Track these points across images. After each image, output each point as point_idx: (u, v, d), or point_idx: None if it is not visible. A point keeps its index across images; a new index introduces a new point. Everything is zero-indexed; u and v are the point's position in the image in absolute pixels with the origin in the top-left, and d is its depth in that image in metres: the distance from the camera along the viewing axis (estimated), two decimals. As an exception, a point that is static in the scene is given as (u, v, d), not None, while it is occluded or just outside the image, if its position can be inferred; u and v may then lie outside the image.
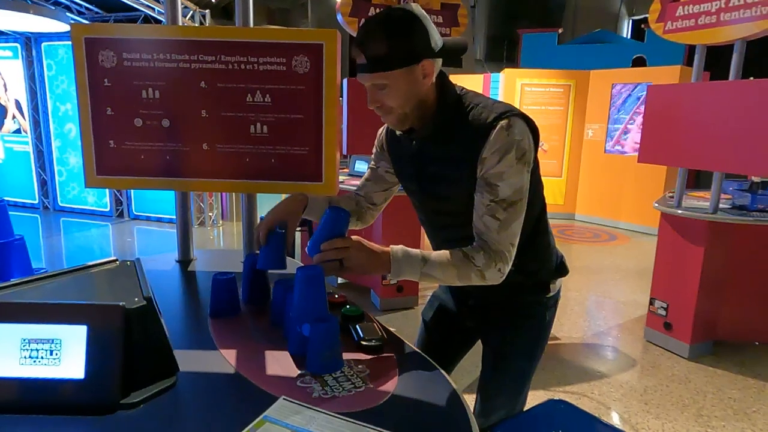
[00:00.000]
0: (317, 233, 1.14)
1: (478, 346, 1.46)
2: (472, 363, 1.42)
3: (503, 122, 1.07)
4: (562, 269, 1.33)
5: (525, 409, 1.41)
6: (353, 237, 1.13)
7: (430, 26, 1.07)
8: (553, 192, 7.54)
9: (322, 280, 1.09)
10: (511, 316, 1.33)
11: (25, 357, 0.90)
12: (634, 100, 6.76)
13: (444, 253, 1.13)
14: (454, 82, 1.20)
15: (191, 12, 5.91)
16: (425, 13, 1.08)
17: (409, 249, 1.14)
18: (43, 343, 0.91)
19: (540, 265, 1.29)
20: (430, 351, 1.43)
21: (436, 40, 1.08)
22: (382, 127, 1.41)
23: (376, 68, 1.06)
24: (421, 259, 1.11)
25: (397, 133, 1.27)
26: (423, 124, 1.17)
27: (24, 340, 0.91)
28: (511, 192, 1.08)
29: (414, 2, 3.69)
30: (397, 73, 1.06)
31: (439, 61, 1.11)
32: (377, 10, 3.67)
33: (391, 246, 1.14)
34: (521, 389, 1.39)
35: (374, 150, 1.45)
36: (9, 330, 0.91)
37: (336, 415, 0.90)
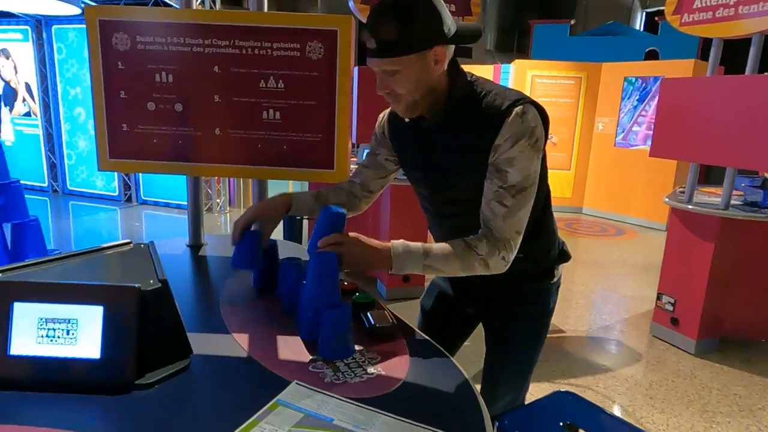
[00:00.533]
0: (315, 234, 1.14)
1: (480, 335, 1.45)
2: (475, 353, 1.42)
3: (518, 108, 1.05)
4: (564, 255, 1.34)
5: (532, 400, 1.41)
6: (351, 233, 1.12)
7: (443, 11, 1.04)
8: (561, 185, 7.50)
9: (335, 266, 1.09)
10: (515, 304, 1.33)
11: (42, 336, 0.91)
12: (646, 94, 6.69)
13: (445, 245, 1.11)
14: (464, 69, 1.17)
15: (201, -3, 5.90)
16: None
17: (410, 243, 1.12)
18: (60, 323, 0.92)
19: (546, 252, 1.29)
20: (429, 336, 1.44)
21: (449, 25, 1.05)
22: (383, 113, 1.37)
23: (387, 53, 1.03)
24: (423, 252, 1.10)
25: (406, 120, 1.23)
26: (433, 111, 1.14)
27: (41, 319, 0.92)
28: (520, 178, 1.06)
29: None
30: (408, 58, 1.03)
31: (452, 47, 1.09)
32: (389, -2, 3.64)
33: (391, 241, 1.12)
34: (525, 376, 1.40)
35: (373, 136, 1.40)
36: (27, 309, 0.92)
37: (348, 400, 0.91)
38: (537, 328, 1.35)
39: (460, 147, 1.13)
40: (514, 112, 1.05)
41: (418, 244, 1.12)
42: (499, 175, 1.07)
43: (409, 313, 1.40)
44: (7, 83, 7.18)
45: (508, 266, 1.12)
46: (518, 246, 1.11)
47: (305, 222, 4.22)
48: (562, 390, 1.44)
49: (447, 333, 1.49)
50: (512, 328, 1.35)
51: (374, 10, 1.04)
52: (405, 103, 1.11)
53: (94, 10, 1.64)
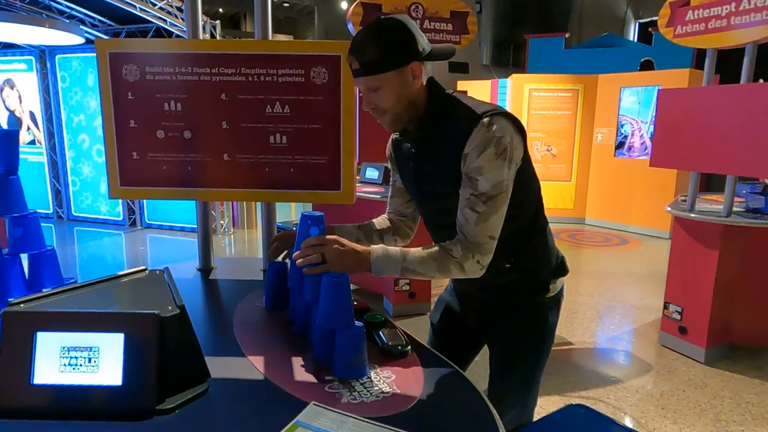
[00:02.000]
0: (297, 239, 1.21)
1: (488, 352, 1.47)
2: (484, 368, 1.43)
3: (485, 119, 1.12)
4: (561, 269, 1.36)
5: (544, 414, 1.42)
6: (329, 236, 1.18)
7: (417, 33, 1.15)
8: (562, 196, 7.53)
9: (348, 287, 1.12)
10: (512, 318, 1.36)
11: (64, 365, 0.93)
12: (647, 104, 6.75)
13: (423, 249, 1.19)
14: (446, 87, 1.25)
15: (202, 23, 6.00)
16: (412, 21, 1.16)
17: (390, 247, 1.19)
18: (82, 351, 0.94)
19: (538, 264, 1.32)
20: (439, 352, 1.46)
21: (424, 45, 1.16)
22: (389, 138, 1.46)
23: (369, 71, 1.14)
24: (401, 256, 1.17)
25: (393, 136, 1.35)
26: (415, 125, 1.24)
27: (63, 348, 0.94)
28: (490, 186, 1.12)
29: (405, 11, 3.75)
30: (388, 75, 1.13)
31: (429, 65, 1.19)
32: (387, 19, 3.72)
33: (371, 245, 1.20)
34: (529, 389, 1.41)
35: (388, 164, 1.50)
36: (49, 338, 0.94)
37: (365, 419, 0.92)
38: (536, 342, 1.37)
39: (440, 157, 1.21)
40: (480, 123, 1.12)
41: (397, 249, 1.19)
42: (470, 183, 1.15)
43: (417, 329, 1.41)
44: (11, 113, 7.28)
45: (484, 270, 1.18)
46: (492, 251, 1.17)
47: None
48: (574, 403, 1.44)
49: (456, 349, 1.51)
50: (510, 342, 1.37)
51: (357, 35, 1.16)
52: (389, 116, 1.20)
53: (105, 43, 1.69)
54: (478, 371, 1.58)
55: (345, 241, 1.17)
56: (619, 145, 7.07)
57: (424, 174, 1.28)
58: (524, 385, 1.39)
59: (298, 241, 1.22)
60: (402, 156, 1.36)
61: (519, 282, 1.31)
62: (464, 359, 1.54)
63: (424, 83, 1.19)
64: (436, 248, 1.17)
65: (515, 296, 1.34)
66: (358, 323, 1.11)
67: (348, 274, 1.14)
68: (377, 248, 1.17)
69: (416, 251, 1.18)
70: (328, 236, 1.17)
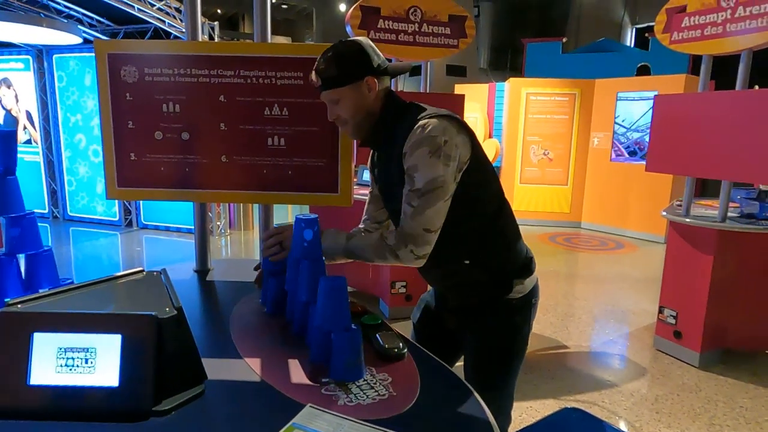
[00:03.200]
0: (293, 242, 1.32)
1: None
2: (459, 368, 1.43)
3: (422, 122, 1.22)
4: (525, 269, 1.39)
5: (539, 418, 1.42)
6: (288, 224, 1.33)
7: (371, 52, 1.28)
8: (559, 200, 7.55)
9: (345, 290, 1.12)
10: (482, 321, 1.39)
11: (61, 365, 0.93)
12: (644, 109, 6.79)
13: (367, 236, 1.35)
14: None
15: (201, 24, 6.00)
16: (369, 42, 1.30)
17: (342, 232, 1.34)
18: (78, 352, 0.94)
19: (499, 263, 1.36)
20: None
21: (379, 62, 1.29)
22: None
23: (328, 86, 1.28)
24: (346, 238, 1.33)
25: (355, 142, 1.48)
26: (371, 132, 1.35)
27: (60, 348, 0.94)
28: (424, 182, 1.20)
29: (404, 15, 3.79)
30: (344, 89, 1.27)
31: (386, 78, 1.32)
32: (386, 23, 3.73)
33: (328, 228, 1.35)
34: (502, 390, 1.41)
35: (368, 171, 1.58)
36: (46, 339, 0.94)
37: (362, 422, 0.92)
38: (502, 344, 1.39)
39: (391, 161, 1.31)
40: (417, 124, 1.22)
41: (346, 233, 1.35)
42: (408, 179, 1.24)
43: (411, 331, 1.42)
44: (8, 112, 7.26)
45: (422, 261, 1.26)
46: (430, 242, 1.24)
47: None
48: (569, 407, 1.45)
49: (435, 349, 1.46)
50: (478, 345, 1.41)
51: (319, 57, 1.29)
52: (350, 125, 1.33)
53: (104, 44, 1.69)
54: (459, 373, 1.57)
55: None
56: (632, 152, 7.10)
57: (381, 177, 1.41)
58: (494, 386, 1.39)
59: (294, 245, 1.30)
60: (373, 164, 1.48)
61: (481, 280, 1.35)
62: (446, 361, 1.52)
63: (382, 95, 1.31)
64: (376, 236, 1.30)
65: (478, 294, 1.38)
66: (354, 326, 1.12)
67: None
68: (330, 230, 1.34)
69: (360, 237, 1.34)
70: (283, 226, 1.35)
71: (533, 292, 1.41)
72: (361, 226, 1.58)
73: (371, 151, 1.49)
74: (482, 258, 1.33)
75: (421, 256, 1.25)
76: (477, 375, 1.40)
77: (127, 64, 1.68)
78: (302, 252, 1.27)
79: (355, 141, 2.22)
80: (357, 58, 1.27)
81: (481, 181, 1.30)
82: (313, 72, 1.29)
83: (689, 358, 3.20)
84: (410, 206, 1.23)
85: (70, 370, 0.93)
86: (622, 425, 2.54)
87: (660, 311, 3.38)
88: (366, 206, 1.58)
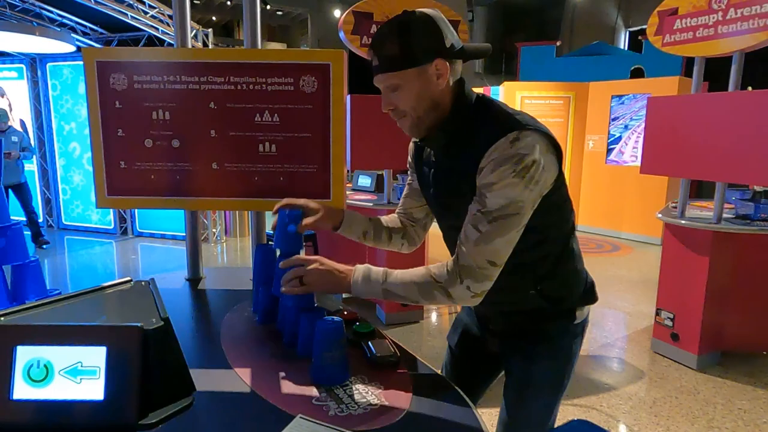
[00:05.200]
0: (276, 234, 1.25)
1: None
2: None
3: (513, 133, 1.00)
4: (590, 296, 1.24)
5: (550, 429, 1.36)
6: (315, 256, 1.14)
7: (444, 27, 1.04)
8: (555, 203, 7.55)
9: (342, 333, 1.09)
10: (534, 345, 1.23)
11: (44, 379, 0.91)
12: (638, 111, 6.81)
13: (409, 270, 1.09)
14: (480, 93, 1.14)
15: (194, 32, 6.00)
16: (442, 16, 1.05)
17: (374, 268, 1.11)
18: (62, 365, 0.92)
19: (567, 292, 1.20)
20: (456, 376, 1.40)
21: (453, 41, 1.05)
22: (410, 141, 1.35)
23: (388, 68, 1.05)
24: (382, 277, 1.09)
25: (417, 141, 1.24)
26: (437, 130, 1.12)
27: (44, 362, 0.92)
28: (499, 205, 0.99)
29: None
30: (408, 72, 1.03)
31: (458, 64, 1.08)
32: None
33: (356, 265, 1.13)
34: (546, 421, 1.29)
35: (408, 164, 1.39)
36: (29, 352, 0.92)
37: (353, 432, 0.91)
38: (557, 371, 1.24)
39: (459, 169, 1.09)
40: (507, 136, 1.00)
41: (381, 270, 1.11)
42: (479, 198, 1.03)
43: (409, 338, 1.40)
44: (1, 121, 7.22)
45: (479, 299, 1.05)
46: (492, 278, 1.04)
47: (302, 249, 4.22)
48: (576, 419, 1.42)
49: (474, 373, 1.42)
50: (531, 370, 1.24)
51: (378, 29, 1.07)
52: (409, 119, 1.10)
53: (92, 51, 1.68)
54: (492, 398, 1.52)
55: (326, 260, 1.13)
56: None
57: (442, 186, 1.17)
58: (541, 418, 1.27)
59: (276, 237, 1.23)
60: (423, 164, 1.25)
61: (544, 309, 1.19)
62: (481, 384, 1.44)
63: (452, 84, 1.08)
64: (422, 272, 1.07)
65: (539, 323, 1.22)
66: (336, 318, 1.09)
67: (328, 293, 1.13)
68: (360, 269, 1.11)
69: (400, 273, 1.09)
70: (309, 256, 1.13)
71: (587, 318, 1.27)
72: (395, 216, 1.41)
73: (412, 144, 1.30)
74: (551, 287, 1.16)
75: (479, 293, 1.04)
76: (523, 404, 1.26)
77: (116, 71, 1.67)
78: (286, 248, 1.22)
79: (348, 146, 2.18)
80: (426, 34, 1.02)
81: (559, 203, 1.10)
82: (370, 48, 1.07)
83: (687, 360, 3.19)
84: (476, 230, 1.01)
85: (54, 383, 0.91)
86: (621, 429, 2.53)
87: (657, 313, 3.37)
88: (402, 198, 1.41)
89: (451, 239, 1.25)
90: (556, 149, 1.05)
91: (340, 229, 1.32)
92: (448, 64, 1.05)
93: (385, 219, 1.40)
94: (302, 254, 1.20)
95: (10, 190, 5.79)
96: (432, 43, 1.03)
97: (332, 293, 1.12)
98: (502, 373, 1.36)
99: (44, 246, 6.08)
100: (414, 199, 1.38)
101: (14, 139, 5.70)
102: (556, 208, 1.11)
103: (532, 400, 1.26)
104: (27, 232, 4.74)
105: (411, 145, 1.34)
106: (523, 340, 1.25)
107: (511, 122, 1.03)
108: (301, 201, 1.29)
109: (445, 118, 1.10)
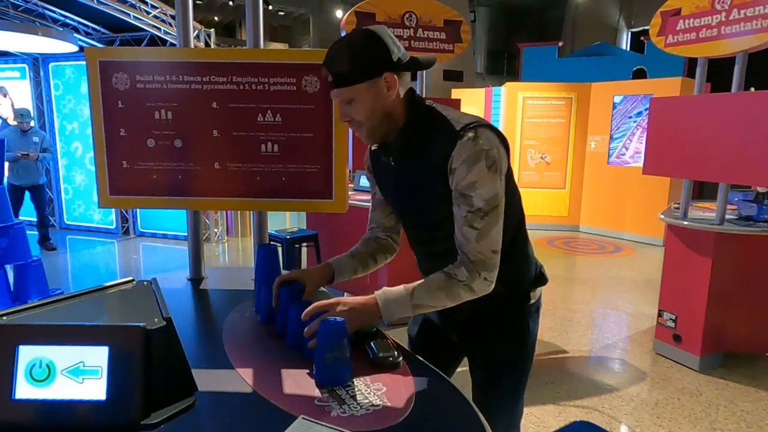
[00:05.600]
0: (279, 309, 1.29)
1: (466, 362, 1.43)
2: (462, 379, 1.39)
3: (470, 133, 1.10)
4: (541, 278, 1.34)
5: (544, 427, 1.38)
6: (333, 299, 1.18)
7: (391, 43, 1.12)
8: (557, 204, 7.55)
9: (344, 332, 1.09)
10: (495, 329, 1.33)
11: (46, 378, 0.91)
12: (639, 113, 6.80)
13: (427, 280, 1.17)
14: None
15: (197, 32, 6.00)
16: (388, 31, 1.14)
17: (391, 288, 1.18)
18: (64, 365, 0.92)
19: (521, 275, 1.30)
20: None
21: (399, 55, 1.13)
22: (367, 149, 1.42)
23: (341, 83, 1.12)
24: (407, 294, 1.16)
25: (372, 148, 1.32)
26: (394, 137, 1.21)
27: (46, 361, 0.92)
28: (485, 201, 1.11)
29: (399, 20, 3.76)
30: (360, 86, 1.12)
31: (406, 75, 1.16)
32: (381, 28, 3.73)
33: (374, 292, 1.18)
34: (516, 401, 1.38)
35: (366, 169, 1.45)
36: (31, 352, 0.92)
37: (355, 433, 0.90)
38: (521, 351, 1.34)
39: (422, 171, 1.19)
40: (466, 136, 1.10)
41: (400, 288, 1.17)
42: (464, 200, 1.12)
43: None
44: (4, 120, 7.24)
45: (493, 285, 1.16)
46: (497, 264, 1.15)
47: (303, 249, 4.23)
48: (578, 421, 1.42)
49: (435, 363, 1.40)
50: (495, 354, 1.34)
51: (330, 48, 1.14)
52: (365, 129, 1.18)
53: (95, 51, 1.68)
54: (456, 382, 1.54)
55: (344, 299, 1.17)
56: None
57: (405, 188, 1.26)
58: (511, 399, 1.36)
59: (279, 310, 1.27)
60: (380, 169, 1.34)
61: (502, 294, 1.26)
62: (444, 372, 1.48)
63: (402, 94, 1.17)
64: (441, 276, 1.16)
65: (498, 308, 1.30)
66: (339, 319, 1.09)
67: (361, 329, 1.19)
68: (381, 294, 1.17)
69: (421, 285, 1.17)
70: (327, 301, 1.17)
71: (539, 298, 1.37)
72: (368, 236, 1.48)
73: (369, 153, 1.39)
74: (505, 272, 1.22)
75: (493, 280, 1.15)
76: (492, 388, 1.35)
77: (119, 71, 1.67)
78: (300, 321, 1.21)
79: (350, 146, 2.18)
80: (374, 50, 1.11)
81: (510, 192, 1.20)
82: (324, 66, 1.14)
83: (689, 362, 3.18)
84: (473, 229, 1.12)
85: (56, 383, 0.91)
86: (623, 431, 2.52)
87: (659, 314, 3.36)
88: (371, 213, 1.48)
89: (414, 237, 1.35)
90: (503, 141, 1.16)
91: (335, 279, 1.39)
92: (396, 76, 1.13)
93: (362, 246, 1.46)
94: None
95: (27, 192, 5.75)
96: (380, 58, 1.11)
97: (365, 326, 1.19)
98: (464, 364, 1.44)
99: (51, 251, 6.05)
100: (381, 210, 1.45)
101: (35, 139, 5.67)
102: (509, 197, 1.19)
103: (501, 382, 1.34)
104: (32, 232, 4.70)
105: (367, 154, 1.41)
106: (483, 325, 1.33)
107: (462, 120, 1.14)
108: (294, 274, 1.35)
109: (402, 125, 1.19)
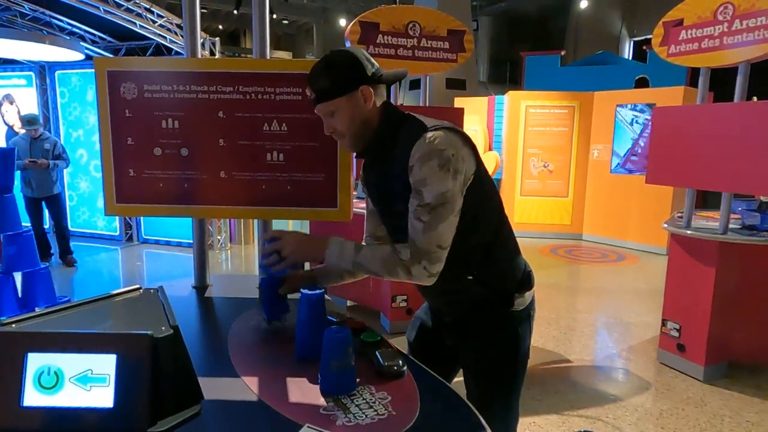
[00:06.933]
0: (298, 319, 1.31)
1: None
2: (464, 387, 1.40)
3: (429, 134, 1.18)
4: (526, 283, 1.36)
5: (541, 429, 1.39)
6: (288, 231, 1.33)
7: (364, 59, 1.25)
8: (560, 212, 7.54)
9: (350, 340, 1.11)
10: (481, 333, 1.36)
11: (55, 386, 0.92)
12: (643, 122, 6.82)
13: (377, 247, 1.30)
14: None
15: (202, 40, 6.05)
16: (361, 50, 1.27)
17: (346, 240, 1.29)
18: (73, 373, 0.92)
19: (501, 278, 1.33)
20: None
21: (373, 70, 1.25)
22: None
23: (323, 99, 1.24)
24: (354, 252, 1.26)
25: (354, 156, 1.43)
26: (369, 145, 1.31)
27: (54, 369, 0.92)
28: (433, 197, 1.17)
29: (403, 30, 3.80)
30: (339, 100, 1.23)
31: (381, 87, 1.28)
32: (385, 38, 3.76)
33: (331, 236, 1.30)
34: (509, 409, 1.39)
35: (361, 186, 1.53)
36: (40, 359, 0.93)
37: (361, 442, 0.91)
38: (507, 357, 1.36)
39: (391, 174, 1.27)
40: (423, 137, 1.18)
41: (353, 242, 1.28)
42: (416, 194, 1.20)
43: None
44: (10, 128, 7.30)
45: (433, 278, 1.22)
46: (442, 259, 1.20)
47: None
48: (583, 430, 1.42)
49: (433, 367, 1.43)
50: (485, 362, 1.37)
51: (311, 69, 1.26)
52: (348, 138, 1.29)
53: (104, 61, 1.70)
54: (460, 390, 1.55)
55: (303, 233, 1.26)
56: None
57: (382, 192, 1.36)
58: (501, 407, 1.37)
59: (299, 321, 1.28)
60: (368, 177, 1.43)
61: (483, 295, 1.32)
62: (444, 377, 1.48)
63: (379, 105, 1.27)
64: (388, 250, 1.24)
65: (479, 310, 1.34)
66: (345, 329, 1.10)
67: (306, 261, 1.27)
68: (336, 240, 1.28)
69: (369, 248, 1.28)
70: (286, 230, 1.31)
71: (531, 305, 1.39)
72: (363, 243, 1.53)
73: (362, 165, 1.46)
74: (485, 274, 1.30)
75: (434, 273, 1.21)
76: (481, 391, 1.37)
77: (127, 80, 1.69)
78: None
79: (354, 156, 2.21)
80: (350, 67, 1.23)
81: (484, 195, 1.26)
82: (307, 85, 1.27)
83: (693, 372, 3.17)
84: (420, 221, 1.19)
85: (64, 391, 0.92)
86: (626, 441, 2.50)
87: (663, 324, 3.35)
88: (366, 224, 1.54)
89: (395, 238, 1.39)
90: (469, 143, 1.23)
91: (317, 280, 1.48)
92: (371, 89, 1.25)
93: None
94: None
95: (43, 202, 5.42)
96: (355, 74, 1.23)
97: (308, 259, 1.27)
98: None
99: (74, 264, 5.64)
100: (372, 221, 1.52)
101: (46, 146, 5.34)
102: (482, 198, 1.27)
103: (492, 391, 1.37)
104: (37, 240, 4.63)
105: (362, 166, 1.49)
106: (470, 331, 1.38)
107: (424, 125, 1.23)
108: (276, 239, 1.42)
109: (376, 129, 1.29)
